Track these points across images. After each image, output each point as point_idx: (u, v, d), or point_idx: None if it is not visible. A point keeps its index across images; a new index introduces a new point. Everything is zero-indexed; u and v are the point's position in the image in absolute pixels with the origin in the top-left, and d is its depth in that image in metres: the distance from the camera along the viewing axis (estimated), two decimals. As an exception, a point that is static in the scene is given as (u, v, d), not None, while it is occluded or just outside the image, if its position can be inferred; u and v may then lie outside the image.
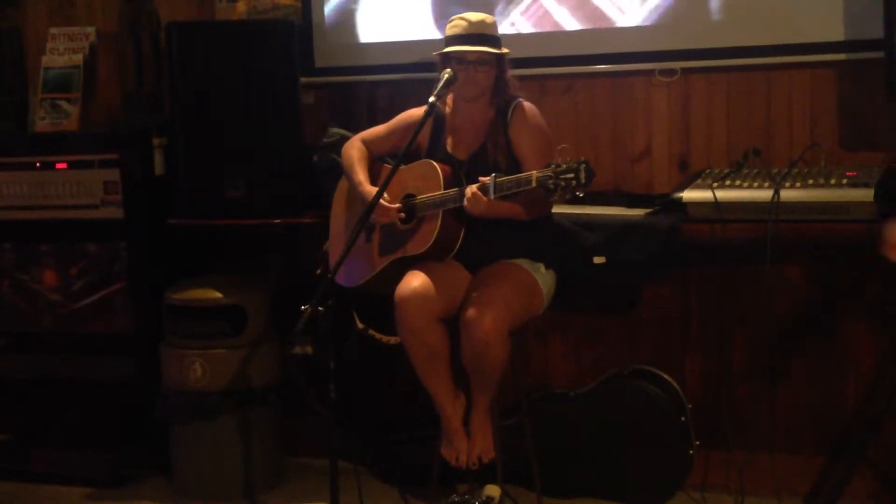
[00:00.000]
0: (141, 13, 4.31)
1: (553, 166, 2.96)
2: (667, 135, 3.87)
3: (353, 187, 3.50)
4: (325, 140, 3.91)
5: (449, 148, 3.46)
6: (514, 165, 3.32)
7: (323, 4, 4.16)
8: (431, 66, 3.44)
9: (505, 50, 3.38)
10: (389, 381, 4.15)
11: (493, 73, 3.37)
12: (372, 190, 3.38)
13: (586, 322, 4.02)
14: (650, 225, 3.54)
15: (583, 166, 2.93)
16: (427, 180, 3.34)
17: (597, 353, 3.99)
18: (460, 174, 3.33)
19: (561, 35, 3.91)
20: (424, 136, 3.44)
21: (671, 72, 3.81)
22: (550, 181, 2.95)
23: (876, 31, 3.47)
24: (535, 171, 3.01)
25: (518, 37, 3.89)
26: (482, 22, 3.36)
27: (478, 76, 3.34)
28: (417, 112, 3.51)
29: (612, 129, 3.94)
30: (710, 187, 3.44)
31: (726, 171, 3.57)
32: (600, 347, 3.99)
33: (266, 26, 4.07)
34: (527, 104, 3.40)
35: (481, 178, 3.12)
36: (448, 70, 3.31)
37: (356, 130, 3.70)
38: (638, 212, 3.62)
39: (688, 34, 3.77)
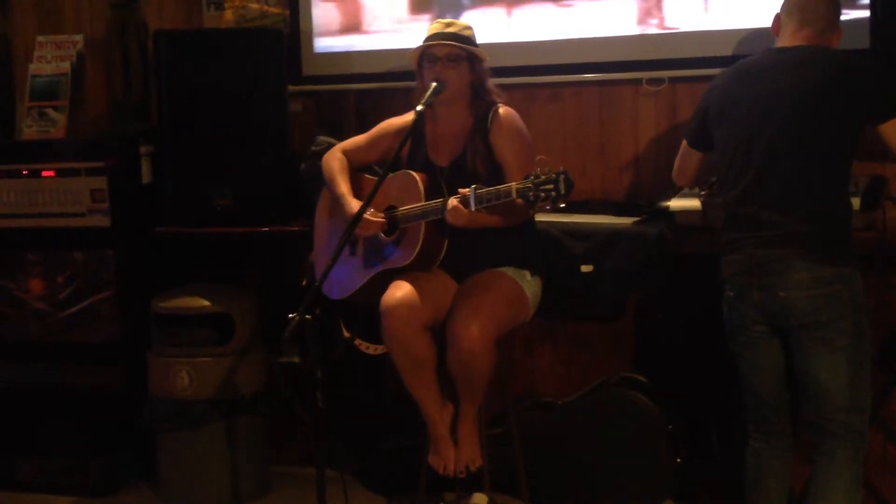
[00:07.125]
0: (129, 21, 4.31)
1: (532, 177, 2.95)
2: (654, 143, 3.88)
3: (336, 199, 3.49)
4: (312, 148, 3.90)
5: (429, 155, 3.45)
6: (495, 171, 3.32)
7: (311, 13, 4.16)
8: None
9: (478, 50, 3.38)
10: (376, 389, 4.14)
11: (465, 72, 3.36)
12: (355, 203, 3.38)
13: (574, 331, 4.02)
14: (638, 234, 3.54)
15: (562, 177, 2.92)
16: (407, 191, 3.33)
17: (584, 361, 4.00)
18: (440, 183, 3.32)
19: (549, 44, 3.92)
20: (405, 144, 3.44)
21: (658, 81, 3.83)
22: (530, 193, 2.95)
23: (863, 41, 3.49)
24: (514, 184, 3.01)
25: (506, 45, 3.89)
26: (453, 23, 3.41)
27: (447, 72, 3.33)
28: (397, 121, 3.51)
29: (599, 138, 3.95)
30: (698, 196, 3.45)
31: (713, 179, 3.57)
32: (588, 356, 3.99)
33: (254, 35, 4.07)
34: (506, 109, 3.40)
35: (461, 190, 3.12)
36: (435, 83, 3.30)
37: (344, 139, 3.70)
38: (625, 220, 3.62)
39: (675, 43, 3.78)
